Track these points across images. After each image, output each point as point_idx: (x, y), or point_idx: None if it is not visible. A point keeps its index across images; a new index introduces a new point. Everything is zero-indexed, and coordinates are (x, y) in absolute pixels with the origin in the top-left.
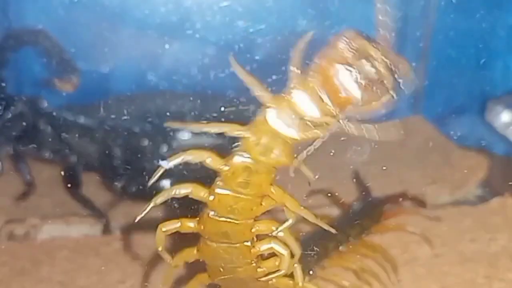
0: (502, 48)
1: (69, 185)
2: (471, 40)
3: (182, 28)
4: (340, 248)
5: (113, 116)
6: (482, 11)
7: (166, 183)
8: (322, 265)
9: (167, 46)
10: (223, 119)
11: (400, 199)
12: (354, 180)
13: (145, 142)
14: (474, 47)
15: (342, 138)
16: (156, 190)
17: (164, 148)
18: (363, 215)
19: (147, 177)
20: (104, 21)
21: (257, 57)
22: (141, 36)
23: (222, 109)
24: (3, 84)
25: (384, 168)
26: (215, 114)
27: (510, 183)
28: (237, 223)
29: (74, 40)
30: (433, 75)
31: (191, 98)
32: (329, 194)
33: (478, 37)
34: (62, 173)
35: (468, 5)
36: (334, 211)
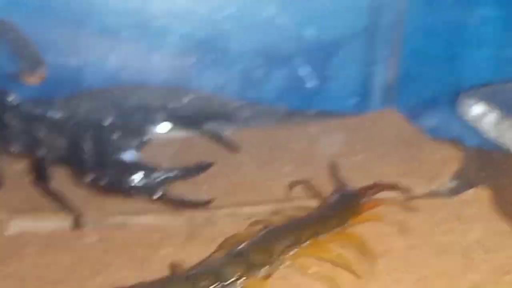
0: (474, 40)
1: (38, 180)
2: (443, 32)
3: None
4: (318, 238)
5: (82, 110)
6: (453, 2)
7: (138, 176)
8: (293, 254)
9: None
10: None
11: (375, 189)
12: (329, 172)
13: (115, 136)
14: (446, 39)
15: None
16: (127, 184)
17: (135, 142)
18: (341, 206)
19: (117, 170)
20: (73, 14)
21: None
22: (108, 30)
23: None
24: None
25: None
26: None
27: (483, 175)
28: None
29: (42, 32)
30: (405, 67)
31: (162, 91)
32: (308, 185)
33: (450, 28)
34: (31, 167)
35: None
36: (312, 202)
